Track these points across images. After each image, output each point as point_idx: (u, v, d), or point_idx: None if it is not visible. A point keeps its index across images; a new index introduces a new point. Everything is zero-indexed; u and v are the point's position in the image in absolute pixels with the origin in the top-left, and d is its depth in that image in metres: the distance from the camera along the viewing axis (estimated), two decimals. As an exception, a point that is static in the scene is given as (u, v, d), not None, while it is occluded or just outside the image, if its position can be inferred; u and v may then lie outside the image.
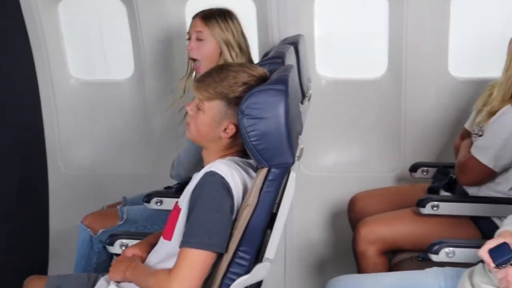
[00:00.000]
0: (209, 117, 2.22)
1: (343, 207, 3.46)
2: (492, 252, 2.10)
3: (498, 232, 2.25)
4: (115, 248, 2.69)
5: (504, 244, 2.10)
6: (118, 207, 3.16)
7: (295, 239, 3.81)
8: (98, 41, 4.01)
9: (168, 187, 3.21)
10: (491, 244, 2.12)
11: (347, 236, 3.20)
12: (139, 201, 3.15)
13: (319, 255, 3.87)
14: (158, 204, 2.96)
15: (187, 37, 3.14)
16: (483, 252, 2.13)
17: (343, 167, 3.80)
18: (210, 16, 3.10)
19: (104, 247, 2.93)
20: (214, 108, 2.21)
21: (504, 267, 2.08)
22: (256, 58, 3.51)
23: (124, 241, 2.67)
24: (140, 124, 3.89)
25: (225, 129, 2.21)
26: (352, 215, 3.33)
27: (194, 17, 3.14)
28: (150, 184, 3.30)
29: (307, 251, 3.86)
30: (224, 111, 2.20)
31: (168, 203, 2.91)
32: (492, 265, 2.09)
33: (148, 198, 2.98)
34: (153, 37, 3.67)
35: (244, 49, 3.10)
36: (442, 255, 2.58)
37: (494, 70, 3.20)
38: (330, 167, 3.81)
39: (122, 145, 3.95)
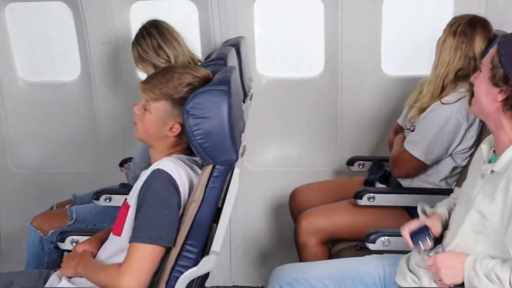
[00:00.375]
0: (155, 117, 2.31)
1: (284, 200, 3.57)
2: (413, 233, 2.31)
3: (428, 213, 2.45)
4: (66, 245, 2.74)
5: (424, 227, 2.31)
6: (67, 207, 3.20)
7: (239, 232, 3.92)
8: (45, 43, 4.04)
9: (123, 184, 3.28)
10: (412, 225, 2.33)
11: (289, 228, 3.32)
12: (88, 200, 3.20)
13: (263, 246, 3.99)
14: (107, 201, 3.04)
15: None
16: (405, 232, 2.33)
17: (284, 162, 3.92)
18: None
19: (55, 247, 2.98)
20: (160, 108, 2.30)
21: (418, 244, 2.28)
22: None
23: (75, 237, 2.73)
24: (88, 123, 3.94)
25: (171, 128, 2.31)
26: (293, 207, 3.44)
27: None
28: (98, 182, 3.38)
29: (251, 243, 3.98)
30: (170, 111, 2.30)
31: (117, 200, 3.00)
32: (411, 243, 2.28)
33: (97, 195, 3.05)
34: (99, 39, 3.72)
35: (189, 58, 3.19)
36: (378, 244, 2.71)
37: (424, 68, 3.36)
38: (272, 162, 3.93)
39: (70, 144, 4.00)
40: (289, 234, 3.23)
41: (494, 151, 2.23)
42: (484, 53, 2.95)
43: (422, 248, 2.29)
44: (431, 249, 2.29)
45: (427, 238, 2.29)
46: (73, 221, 3.14)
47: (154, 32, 3.12)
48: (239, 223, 3.89)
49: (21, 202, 3.98)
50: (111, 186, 3.30)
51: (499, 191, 2.08)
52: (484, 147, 2.26)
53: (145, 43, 3.12)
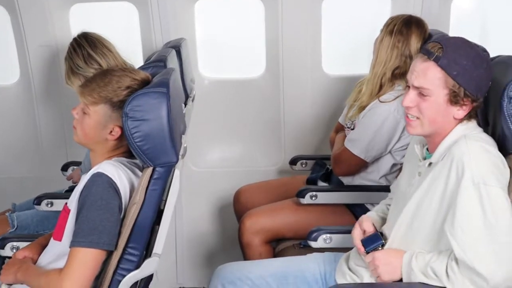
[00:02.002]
0: (95, 120, 2.30)
1: (229, 200, 3.59)
2: (364, 240, 2.34)
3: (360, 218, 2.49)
4: (6, 251, 2.70)
5: (376, 234, 2.35)
6: (7, 214, 3.14)
7: (185, 233, 3.93)
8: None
9: (72, 188, 3.25)
10: (358, 231, 2.37)
11: (234, 228, 3.34)
12: (29, 206, 3.16)
13: (208, 246, 4.00)
14: (49, 205, 3.01)
15: None
16: (357, 242, 2.35)
17: (228, 162, 3.94)
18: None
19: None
20: (99, 111, 2.29)
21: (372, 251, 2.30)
22: (140, 62, 3.60)
23: (15, 243, 2.69)
24: (28, 127, 3.89)
25: (111, 131, 2.30)
26: (237, 207, 3.46)
27: None
28: (39, 187, 3.33)
29: (197, 243, 3.99)
30: (109, 114, 2.29)
31: (59, 204, 2.96)
32: (363, 251, 2.31)
33: (38, 200, 3.02)
34: (38, 42, 3.68)
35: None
36: (320, 242, 2.75)
37: (363, 67, 3.41)
38: (216, 163, 3.94)
39: (11, 149, 3.94)
40: (234, 234, 3.25)
41: (427, 149, 2.28)
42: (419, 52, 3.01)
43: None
44: None
45: (380, 247, 2.31)
46: (14, 228, 3.09)
47: (84, 43, 3.08)
48: (185, 224, 3.90)
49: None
50: (55, 191, 3.26)
51: (437, 181, 2.12)
52: (417, 146, 2.30)
53: (76, 54, 3.07)
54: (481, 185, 2.03)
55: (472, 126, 2.19)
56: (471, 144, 2.09)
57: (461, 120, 2.16)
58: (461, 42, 2.16)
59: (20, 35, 3.65)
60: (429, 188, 2.15)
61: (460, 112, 2.13)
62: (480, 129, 2.21)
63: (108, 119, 2.29)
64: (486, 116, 2.29)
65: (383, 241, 2.32)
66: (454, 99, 2.10)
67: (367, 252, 2.32)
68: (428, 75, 2.11)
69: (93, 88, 2.30)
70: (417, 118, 2.17)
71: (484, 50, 2.59)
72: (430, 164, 2.19)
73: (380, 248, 2.30)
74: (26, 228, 3.11)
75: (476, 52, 2.14)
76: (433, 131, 2.18)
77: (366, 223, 2.42)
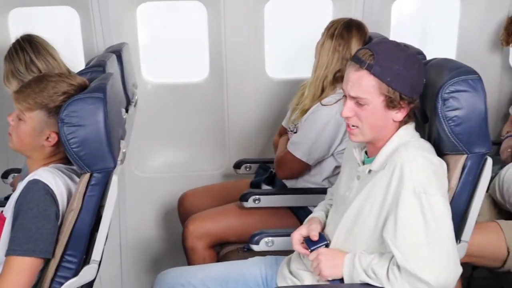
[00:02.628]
0: (30, 127, 2.27)
1: (174, 205, 3.57)
2: (307, 241, 2.33)
3: (307, 219, 2.48)
4: None
5: (321, 237, 2.33)
6: None
7: (130, 238, 3.90)
8: None
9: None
10: (297, 236, 2.35)
11: (178, 233, 3.32)
12: None
13: (154, 252, 3.98)
14: (-15, 214, 2.95)
15: None
16: (297, 247, 2.35)
17: (173, 167, 3.92)
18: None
19: None
20: (35, 118, 2.26)
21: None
22: (82, 67, 3.54)
23: None
24: None
25: (47, 138, 2.27)
26: (181, 212, 3.45)
27: None
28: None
29: (142, 249, 3.97)
30: (45, 120, 2.26)
31: (-5, 213, 2.91)
32: (307, 250, 2.31)
33: (-28, 209, 2.95)
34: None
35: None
36: (262, 245, 2.74)
37: (306, 71, 3.41)
38: (161, 168, 3.93)
39: None
40: (179, 239, 3.23)
41: (365, 152, 2.29)
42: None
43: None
44: None
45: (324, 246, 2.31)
46: None
47: (27, 47, 3.01)
48: (129, 230, 3.87)
49: None
50: None
51: (376, 189, 2.14)
52: (355, 150, 2.31)
53: (18, 58, 2.99)
54: (422, 194, 2.05)
55: (411, 132, 2.21)
56: (411, 153, 2.11)
57: (400, 123, 2.18)
58: (392, 46, 2.17)
59: None
60: (369, 195, 2.16)
61: (399, 114, 2.15)
62: (417, 134, 2.23)
63: (44, 125, 2.26)
64: (425, 115, 2.32)
65: (327, 241, 2.31)
66: (391, 104, 2.12)
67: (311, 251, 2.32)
68: (363, 84, 2.11)
69: (28, 94, 2.27)
70: (357, 126, 2.18)
71: (420, 53, 2.65)
72: (370, 171, 2.20)
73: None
74: None
75: (407, 55, 2.15)
76: (374, 136, 2.19)
77: (315, 225, 2.40)
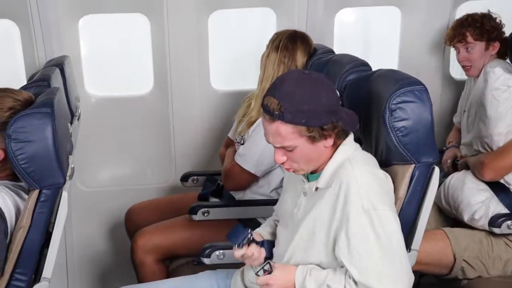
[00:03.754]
0: None
1: (121, 219, 3.53)
2: (230, 237, 2.32)
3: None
4: None
5: (237, 226, 2.36)
6: None
7: (76, 254, 3.83)
8: None
9: None
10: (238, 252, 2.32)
11: (126, 247, 3.28)
12: None
13: (101, 267, 3.92)
14: None
15: None
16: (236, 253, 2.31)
17: (118, 181, 3.88)
18: None
19: None
20: None
21: (243, 245, 2.28)
22: (23, 81, 3.49)
23: None
24: None
25: None
26: (129, 226, 3.42)
27: None
28: None
29: (89, 264, 3.90)
30: None
31: None
32: (238, 251, 2.28)
33: None
34: None
35: None
36: (213, 258, 2.72)
37: (250, 82, 3.46)
38: (106, 182, 3.87)
39: None
40: (127, 253, 3.20)
41: None
42: (306, 66, 3.08)
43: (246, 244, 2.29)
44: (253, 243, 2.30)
45: (245, 234, 2.29)
46: None
47: None
48: (75, 245, 3.81)
49: None
50: None
51: (325, 206, 2.14)
52: None
53: None
54: (372, 210, 2.06)
55: (351, 145, 2.20)
56: (357, 169, 2.12)
57: (335, 144, 2.17)
58: (293, 85, 2.09)
59: None
60: (319, 213, 2.17)
61: (328, 141, 2.14)
62: (358, 146, 2.24)
63: None
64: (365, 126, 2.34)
65: (250, 231, 2.30)
66: (316, 138, 2.10)
67: (238, 246, 2.28)
68: (282, 134, 2.09)
69: None
70: (293, 164, 2.17)
71: (365, 64, 2.69)
72: (317, 188, 2.19)
73: (265, 263, 2.26)
74: None
75: (311, 84, 2.09)
76: (314, 166, 2.18)
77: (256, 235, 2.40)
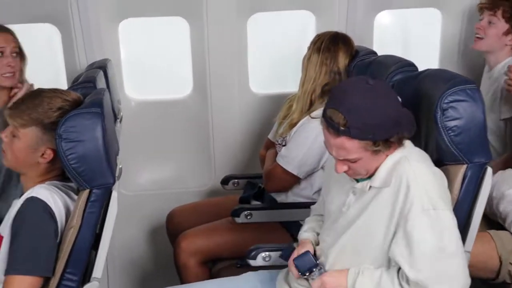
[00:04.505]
0: (25, 143, 2.23)
1: (161, 223, 3.54)
2: (297, 261, 2.29)
3: (299, 239, 2.46)
4: None
5: (306, 253, 2.30)
6: None
7: (117, 257, 3.84)
8: None
9: None
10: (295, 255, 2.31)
11: (167, 250, 3.29)
12: None
13: (142, 270, 3.93)
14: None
15: None
16: (289, 264, 2.32)
17: (158, 184, 3.88)
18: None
19: None
20: (30, 134, 2.22)
21: (308, 275, 2.27)
22: (64, 84, 3.51)
23: None
24: None
25: (43, 154, 2.23)
26: (170, 229, 3.41)
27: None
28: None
29: (130, 267, 3.91)
30: (40, 136, 2.22)
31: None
32: (297, 274, 2.28)
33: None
34: None
35: None
36: (259, 260, 2.70)
37: (289, 85, 3.44)
38: (146, 186, 3.88)
39: None
40: (168, 257, 3.21)
41: None
42: (348, 68, 3.06)
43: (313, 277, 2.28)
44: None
45: (314, 269, 2.28)
46: None
47: None
48: (116, 248, 3.81)
49: None
50: None
51: (382, 205, 2.12)
52: None
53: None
54: (431, 210, 2.04)
55: (407, 144, 2.17)
56: (416, 168, 2.09)
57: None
58: (359, 97, 2.04)
59: None
60: (374, 212, 2.14)
61: (392, 149, 2.11)
62: (410, 142, 2.20)
63: (40, 142, 2.22)
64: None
65: (318, 262, 2.28)
66: (381, 150, 2.08)
67: (302, 275, 2.29)
68: (347, 148, 2.06)
69: (23, 110, 2.23)
70: (354, 173, 2.16)
71: (411, 64, 2.66)
72: (370, 187, 2.16)
73: (315, 271, 2.26)
74: None
75: (377, 95, 2.05)
76: (373, 171, 2.15)
77: (309, 247, 2.38)
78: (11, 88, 3.06)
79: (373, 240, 2.15)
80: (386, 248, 2.12)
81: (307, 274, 2.28)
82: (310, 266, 2.27)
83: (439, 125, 2.16)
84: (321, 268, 2.27)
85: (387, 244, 2.12)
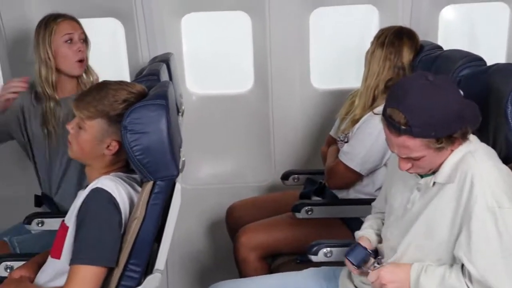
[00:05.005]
0: (91, 135, 2.24)
1: (220, 217, 3.54)
2: (349, 256, 2.29)
3: (356, 237, 2.43)
4: (0, 271, 2.60)
5: (356, 246, 2.30)
6: (5, 239, 2.96)
7: (176, 251, 3.84)
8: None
9: None
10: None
11: (226, 244, 3.30)
12: (17, 231, 3.03)
13: (201, 264, 3.94)
14: (40, 225, 2.92)
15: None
16: (346, 262, 2.30)
17: (218, 179, 3.89)
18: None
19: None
20: (96, 126, 2.23)
21: (365, 267, 2.25)
22: (126, 78, 3.55)
23: (9, 263, 2.59)
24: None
25: (108, 146, 2.25)
26: (230, 224, 3.42)
27: (60, 20, 3.08)
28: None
29: (189, 261, 3.93)
30: (106, 128, 2.23)
31: (49, 224, 2.90)
32: (355, 270, 2.27)
33: (28, 220, 2.92)
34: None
35: None
36: (320, 256, 2.68)
37: (351, 81, 3.39)
38: (206, 180, 3.89)
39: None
40: (227, 250, 3.21)
41: None
42: (413, 63, 3.01)
43: (365, 269, 2.28)
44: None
45: (365, 257, 2.28)
46: None
47: None
48: (176, 241, 3.79)
49: None
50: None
51: (446, 201, 2.08)
52: None
53: None
54: (496, 208, 1.99)
55: (472, 139, 2.12)
56: (481, 163, 2.05)
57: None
58: (420, 96, 2.01)
59: None
60: (439, 209, 2.11)
61: (456, 144, 2.08)
62: (476, 138, 2.16)
63: (105, 134, 2.24)
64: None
65: (370, 252, 2.28)
66: (445, 146, 2.05)
67: (358, 268, 2.27)
68: (410, 147, 2.03)
69: (89, 102, 2.25)
70: (418, 169, 2.13)
71: (479, 59, 2.60)
72: (434, 183, 2.13)
73: (371, 261, 2.25)
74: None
75: (437, 92, 2.01)
76: (437, 167, 2.12)
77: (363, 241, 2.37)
78: (77, 78, 3.11)
79: (437, 236, 2.11)
80: (451, 245, 2.08)
81: (363, 266, 2.26)
82: (363, 257, 2.27)
83: (510, 120, 2.11)
84: (377, 258, 2.27)
85: (452, 241, 2.08)
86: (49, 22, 3.04)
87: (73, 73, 3.08)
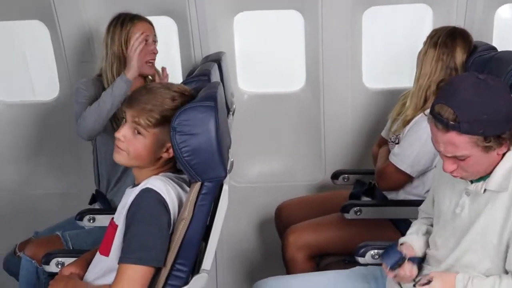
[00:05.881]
0: (152, 141, 2.23)
1: (269, 215, 3.56)
2: (384, 259, 2.28)
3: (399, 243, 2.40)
4: (51, 267, 2.65)
5: (391, 248, 2.29)
6: (58, 233, 3.00)
7: (225, 249, 3.89)
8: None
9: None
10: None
11: (275, 243, 3.31)
12: (70, 226, 3.09)
13: (249, 262, 3.96)
14: (91, 221, 2.98)
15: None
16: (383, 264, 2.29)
17: (267, 177, 3.90)
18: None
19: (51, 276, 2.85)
20: (158, 133, 2.22)
21: (399, 268, 2.25)
22: (179, 76, 3.58)
23: (60, 259, 2.64)
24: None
25: (167, 149, 2.25)
26: (279, 223, 3.42)
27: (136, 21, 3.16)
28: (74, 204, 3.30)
29: (238, 259, 3.95)
30: (166, 133, 2.19)
31: (100, 220, 2.96)
32: (390, 273, 2.26)
33: (80, 216, 2.99)
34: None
35: None
36: (368, 257, 2.67)
37: (404, 81, 3.36)
38: (256, 178, 3.91)
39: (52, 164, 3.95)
40: (276, 249, 3.21)
41: None
42: (465, 64, 2.97)
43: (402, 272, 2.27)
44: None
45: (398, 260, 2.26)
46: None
47: None
48: (225, 240, 3.86)
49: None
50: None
51: (498, 210, 2.06)
52: None
53: None
54: None
55: None
56: None
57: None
58: (470, 92, 2.00)
59: None
60: (491, 218, 2.08)
61: (503, 147, 2.04)
62: None
63: (166, 138, 2.21)
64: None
65: (404, 254, 2.26)
66: (492, 147, 2.01)
67: (392, 269, 2.25)
68: (456, 144, 2.00)
69: (151, 109, 2.21)
70: (463, 172, 2.10)
71: None
72: (485, 190, 2.10)
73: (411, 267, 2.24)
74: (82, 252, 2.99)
75: (489, 90, 1.99)
76: (484, 172, 2.09)
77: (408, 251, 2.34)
78: (144, 78, 3.16)
79: (487, 247, 2.08)
80: (502, 256, 2.05)
81: (396, 268, 2.25)
82: (396, 260, 2.25)
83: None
84: (415, 262, 2.25)
85: (502, 253, 2.04)
86: (126, 21, 3.13)
87: (145, 72, 3.15)
